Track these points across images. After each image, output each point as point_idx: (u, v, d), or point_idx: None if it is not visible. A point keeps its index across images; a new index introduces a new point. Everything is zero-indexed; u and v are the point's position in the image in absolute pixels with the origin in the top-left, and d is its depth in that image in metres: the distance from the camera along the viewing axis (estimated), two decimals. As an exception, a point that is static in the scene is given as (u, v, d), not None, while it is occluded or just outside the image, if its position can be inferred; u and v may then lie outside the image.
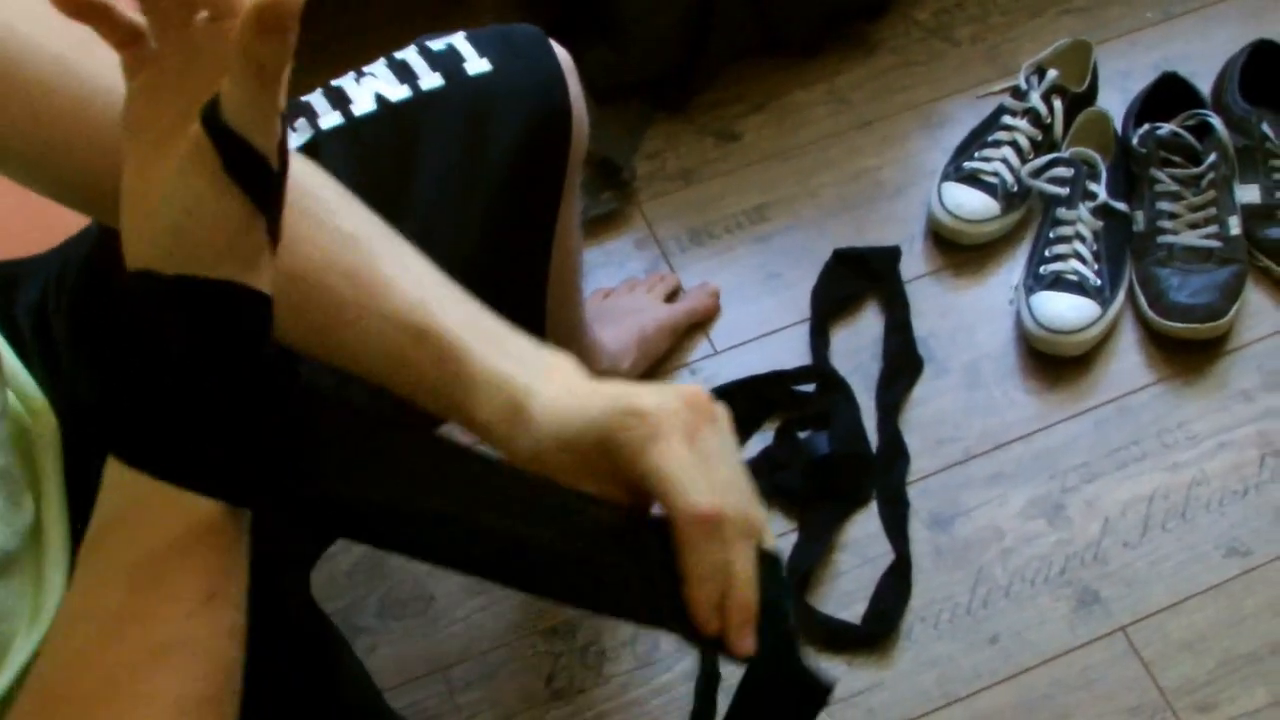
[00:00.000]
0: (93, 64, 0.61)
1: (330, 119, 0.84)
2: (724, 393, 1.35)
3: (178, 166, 0.48)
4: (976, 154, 1.47)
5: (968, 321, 1.42)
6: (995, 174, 1.45)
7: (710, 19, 1.51)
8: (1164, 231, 1.40)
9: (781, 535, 1.29)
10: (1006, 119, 1.47)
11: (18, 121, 0.60)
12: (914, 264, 1.46)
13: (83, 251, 0.80)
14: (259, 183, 0.48)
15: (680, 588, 0.56)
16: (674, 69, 1.55)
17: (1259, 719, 1.19)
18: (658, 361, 1.38)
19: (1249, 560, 1.27)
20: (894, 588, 1.26)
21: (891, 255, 1.45)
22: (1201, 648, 1.23)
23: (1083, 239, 1.40)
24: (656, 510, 0.58)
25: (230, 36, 0.46)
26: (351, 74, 0.87)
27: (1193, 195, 1.40)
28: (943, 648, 1.23)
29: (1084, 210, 1.40)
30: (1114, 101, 1.53)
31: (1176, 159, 1.41)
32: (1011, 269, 1.45)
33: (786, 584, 1.16)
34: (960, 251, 1.46)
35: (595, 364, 1.24)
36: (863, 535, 1.30)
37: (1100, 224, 1.40)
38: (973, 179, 1.45)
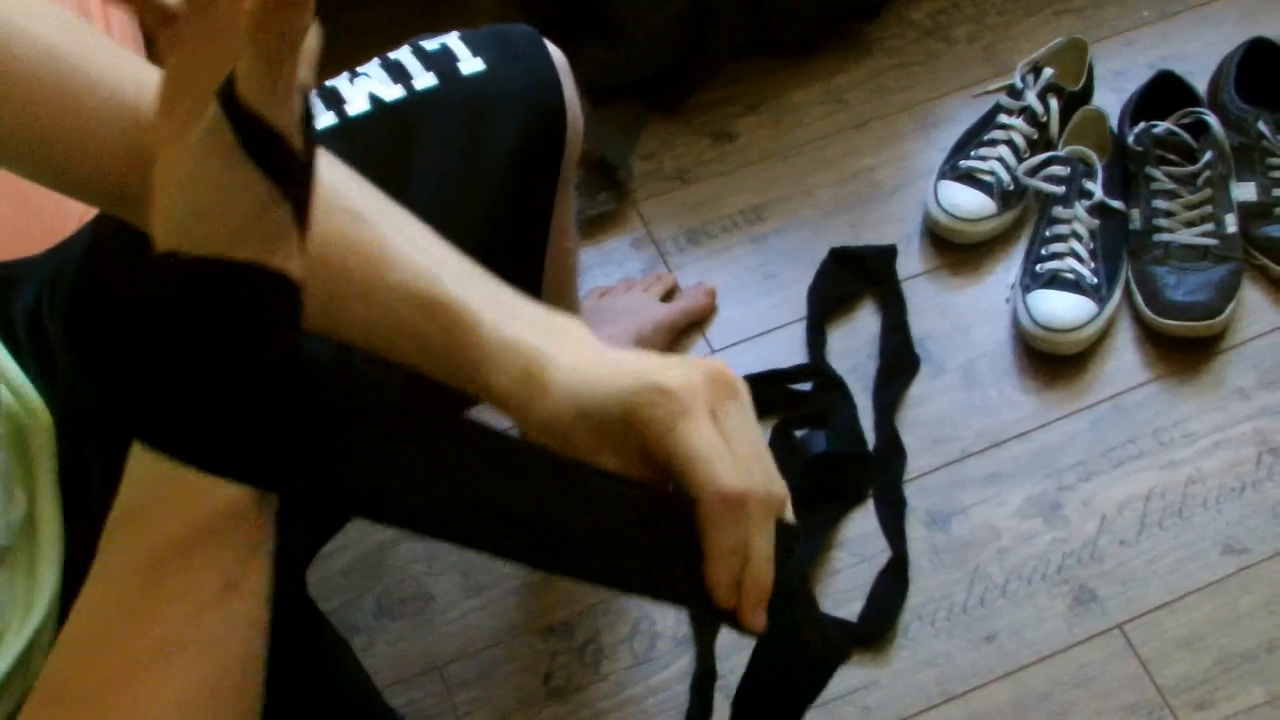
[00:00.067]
0: (83, 54, 0.61)
1: (324, 119, 0.85)
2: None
3: (199, 146, 0.48)
4: (973, 153, 1.47)
5: (964, 320, 1.42)
6: (991, 173, 1.45)
7: (706, 19, 1.51)
8: (1160, 230, 1.40)
9: (778, 534, 1.29)
10: (1002, 118, 1.47)
11: (8, 111, 0.60)
12: (910, 263, 1.46)
13: (77, 254, 0.80)
14: (276, 160, 0.48)
15: (699, 564, 0.56)
16: (670, 69, 1.55)
17: (1256, 716, 1.19)
18: (655, 361, 1.38)
19: (1246, 558, 1.27)
20: (891, 586, 1.26)
21: (888, 254, 1.45)
22: (1199, 646, 1.23)
23: (1079, 237, 1.40)
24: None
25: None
26: (345, 74, 0.87)
27: (1189, 193, 1.40)
28: (940, 646, 1.24)
29: (1080, 209, 1.40)
30: (1110, 100, 1.53)
31: (1173, 157, 1.41)
32: (1008, 268, 1.45)
33: (803, 555, 1.16)
34: (957, 250, 1.46)
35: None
36: (860, 534, 1.30)
37: (1097, 222, 1.40)
38: (969, 178, 1.45)
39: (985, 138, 1.47)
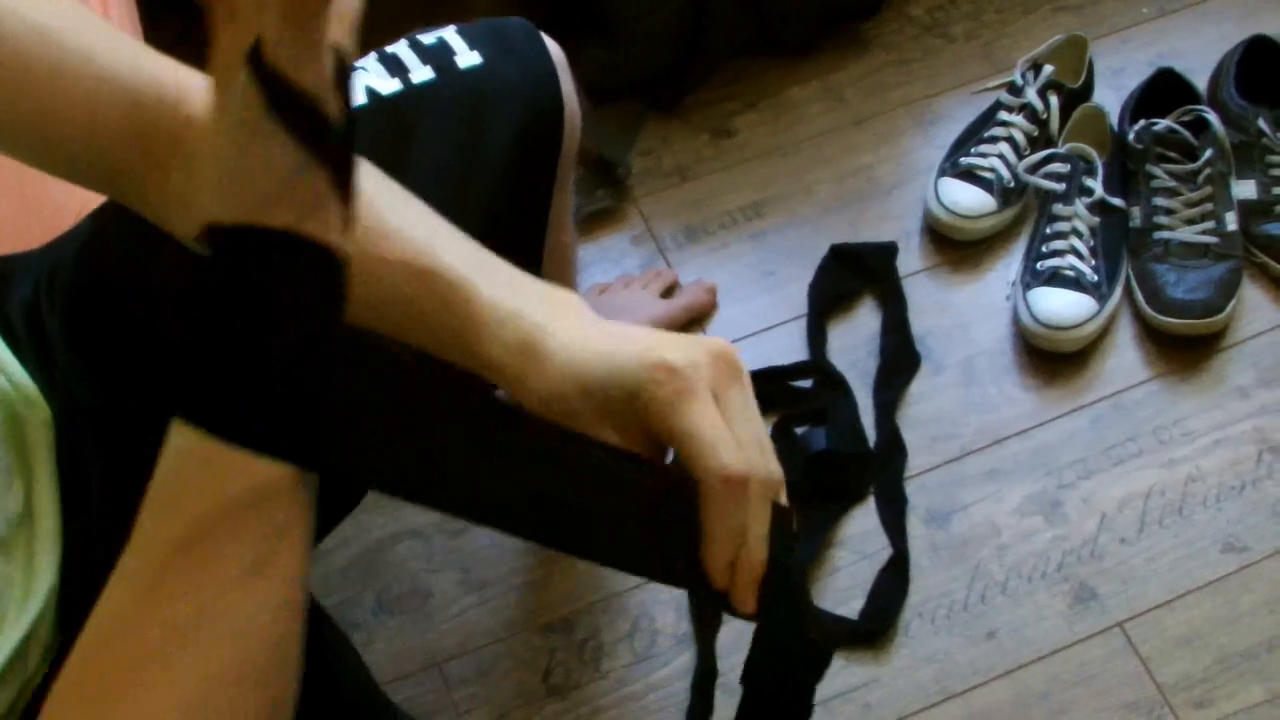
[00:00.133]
0: (76, 36, 0.61)
1: None
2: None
3: (231, 112, 0.47)
4: (973, 150, 1.47)
5: (964, 318, 1.42)
6: (992, 170, 1.44)
7: (704, 19, 1.51)
8: (1161, 227, 1.40)
9: (778, 532, 1.29)
10: (1003, 115, 1.47)
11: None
12: (910, 260, 1.45)
13: (74, 248, 0.80)
14: (306, 122, 0.47)
15: (697, 545, 0.56)
16: (669, 69, 1.55)
17: (1256, 715, 1.19)
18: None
19: (1246, 556, 1.27)
20: (892, 584, 1.26)
21: (888, 251, 1.45)
22: (1199, 644, 1.23)
23: (1079, 235, 1.40)
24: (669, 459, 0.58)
25: None
26: None
27: (1189, 191, 1.40)
28: (940, 644, 1.23)
29: (1081, 206, 1.40)
30: (1109, 98, 1.53)
31: (1173, 155, 1.41)
32: (1008, 265, 1.45)
33: (803, 553, 1.16)
34: (957, 248, 1.46)
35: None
36: (860, 531, 1.30)
37: (1097, 220, 1.40)
38: (969, 175, 1.45)
39: (985, 135, 1.47)
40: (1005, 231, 1.47)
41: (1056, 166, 1.42)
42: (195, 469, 0.49)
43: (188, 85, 0.63)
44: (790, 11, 1.55)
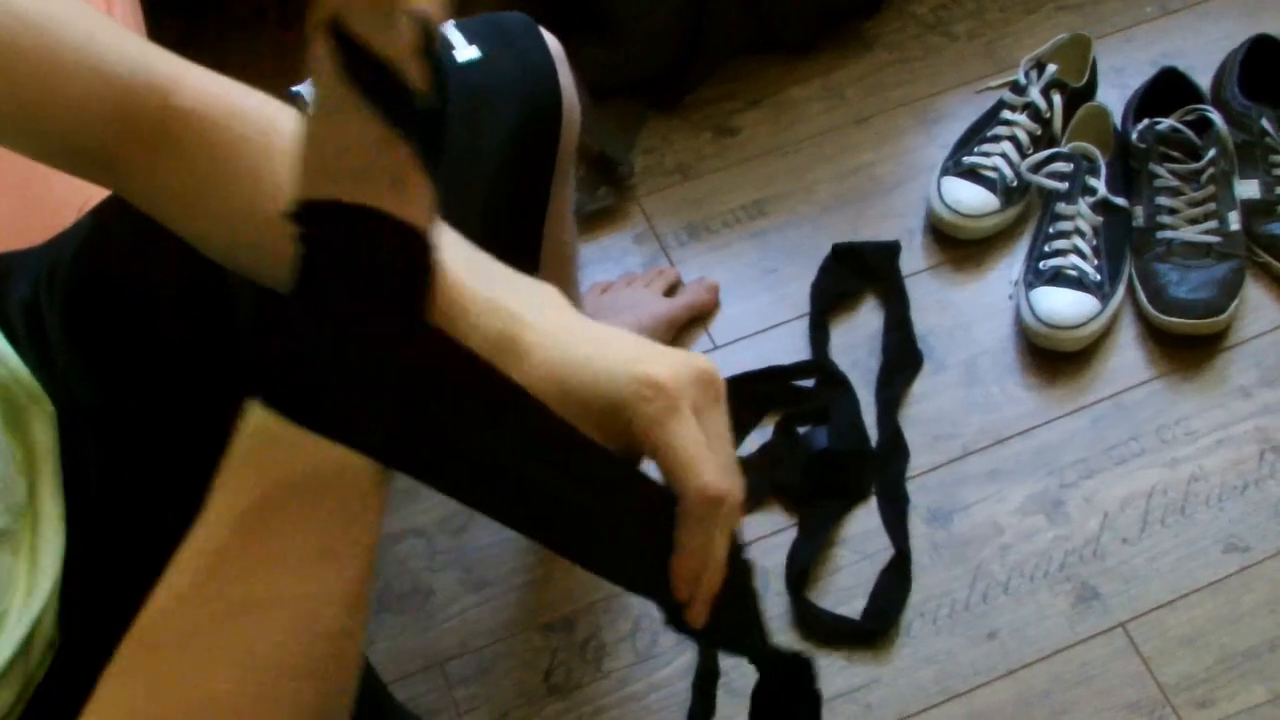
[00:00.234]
0: (70, 28, 0.61)
1: None
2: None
3: (319, 88, 0.46)
4: (976, 148, 1.47)
5: (967, 317, 1.42)
6: (995, 169, 1.44)
7: (705, 19, 1.51)
8: (1164, 227, 1.40)
9: (780, 531, 1.29)
10: (1006, 114, 1.47)
11: None
12: (913, 259, 1.45)
13: (74, 245, 0.80)
14: (386, 92, 0.46)
15: (668, 556, 0.56)
16: (669, 69, 1.55)
17: (1257, 715, 1.19)
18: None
19: (1248, 556, 1.27)
20: (893, 583, 1.26)
21: (890, 250, 1.45)
22: (1200, 644, 1.22)
23: (1082, 234, 1.39)
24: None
25: None
26: None
27: (1192, 190, 1.39)
28: (941, 644, 1.23)
29: (1084, 205, 1.40)
30: (1112, 97, 1.53)
31: (1176, 154, 1.40)
32: (1011, 264, 1.45)
33: (804, 553, 1.15)
34: (959, 247, 1.46)
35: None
36: (862, 531, 1.29)
37: (1100, 219, 1.40)
38: (972, 174, 1.45)
39: (988, 133, 1.47)
40: (1008, 231, 1.47)
41: (1059, 166, 1.42)
42: (268, 446, 0.48)
43: (182, 77, 0.63)
44: (791, 10, 1.55)
